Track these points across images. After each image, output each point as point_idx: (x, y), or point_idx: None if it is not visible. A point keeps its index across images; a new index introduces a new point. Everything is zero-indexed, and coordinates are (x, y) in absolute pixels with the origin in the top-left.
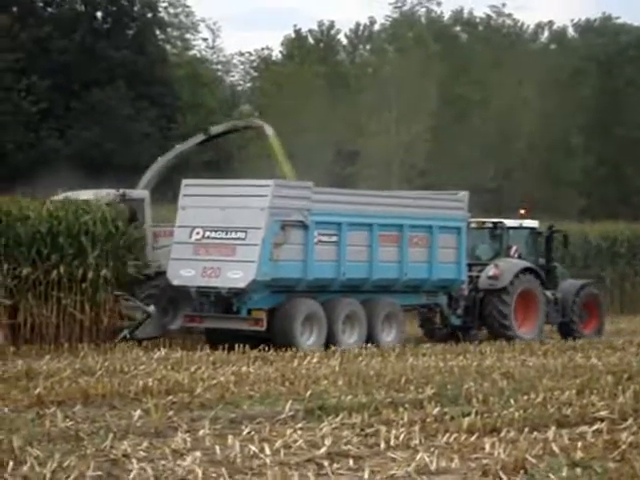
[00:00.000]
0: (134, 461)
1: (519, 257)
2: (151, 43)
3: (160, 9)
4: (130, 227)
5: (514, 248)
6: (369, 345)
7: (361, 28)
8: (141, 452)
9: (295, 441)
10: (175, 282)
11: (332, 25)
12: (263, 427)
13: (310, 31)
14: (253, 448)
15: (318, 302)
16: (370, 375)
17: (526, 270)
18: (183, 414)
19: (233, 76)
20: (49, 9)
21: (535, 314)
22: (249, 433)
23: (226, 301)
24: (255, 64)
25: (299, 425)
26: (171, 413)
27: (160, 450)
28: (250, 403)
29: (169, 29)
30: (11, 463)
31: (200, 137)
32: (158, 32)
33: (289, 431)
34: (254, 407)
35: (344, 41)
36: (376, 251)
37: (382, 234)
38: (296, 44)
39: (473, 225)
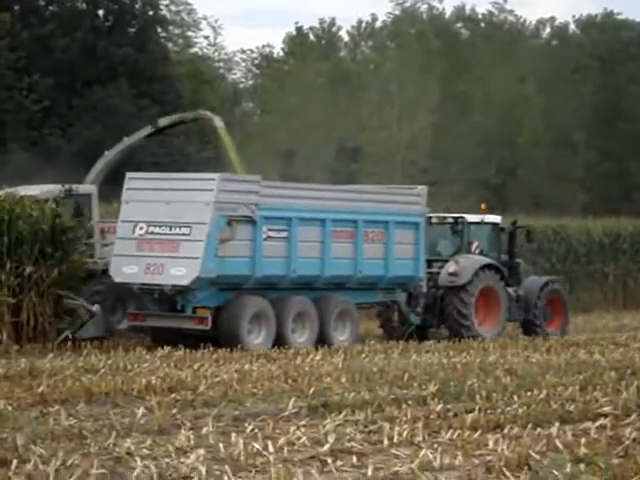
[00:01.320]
0: (137, 459)
1: (480, 253)
2: (153, 41)
3: (161, 7)
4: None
5: (475, 244)
6: (322, 345)
7: (363, 25)
8: (144, 450)
9: (298, 438)
10: (117, 279)
11: (333, 22)
12: (266, 424)
13: (311, 28)
14: (256, 445)
15: (267, 300)
16: (373, 372)
17: (487, 267)
18: (186, 412)
19: (235, 74)
20: (51, 7)
21: (497, 311)
22: (252, 430)
23: (170, 299)
24: (257, 61)
25: (302, 422)
26: (174, 411)
27: (164, 448)
28: (253, 401)
29: (171, 27)
30: (15, 461)
31: (148, 129)
32: (160, 30)
33: (292, 428)
34: (257, 404)
35: (346, 38)
36: (329, 247)
37: (335, 230)
38: (298, 41)
39: (434, 220)
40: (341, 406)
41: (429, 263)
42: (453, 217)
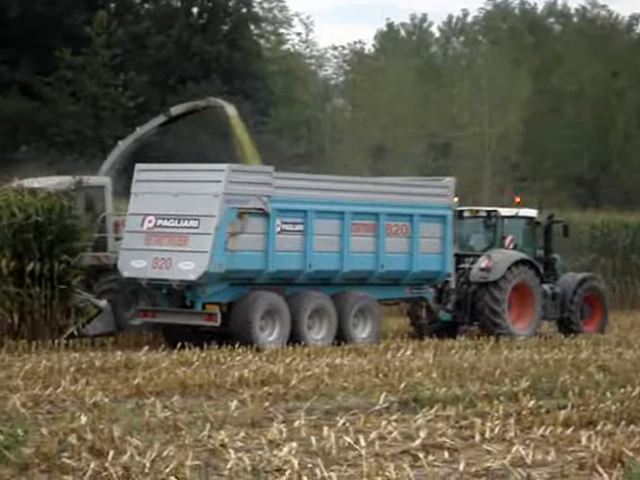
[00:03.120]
0: (231, 451)
1: (515, 248)
2: (245, 38)
3: (255, 4)
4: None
5: (509, 238)
6: (339, 343)
7: (454, 20)
8: (238, 442)
9: (390, 433)
10: (126, 274)
11: (425, 18)
12: (358, 418)
13: (403, 24)
14: (348, 439)
15: (281, 296)
16: (464, 367)
17: (521, 262)
18: (279, 405)
19: (326, 70)
20: (146, 5)
21: (531, 309)
22: (344, 424)
23: (180, 294)
24: (348, 58)
25: (394, 417)
26: (267, 404)
27: (257, 440)
28: (344, 394)
29: (263, 24)
30: (111, 452)
31: (161, 119)
32: (252, 27)
33: (384, 423)
34: (348, 398)
35: (437, 34)
36: (348, 241)
37: (355, 223)
38: (389, 37)
39: (466, 214)
40: (432, 401)
41: (461, 258)
42: (486, 211)
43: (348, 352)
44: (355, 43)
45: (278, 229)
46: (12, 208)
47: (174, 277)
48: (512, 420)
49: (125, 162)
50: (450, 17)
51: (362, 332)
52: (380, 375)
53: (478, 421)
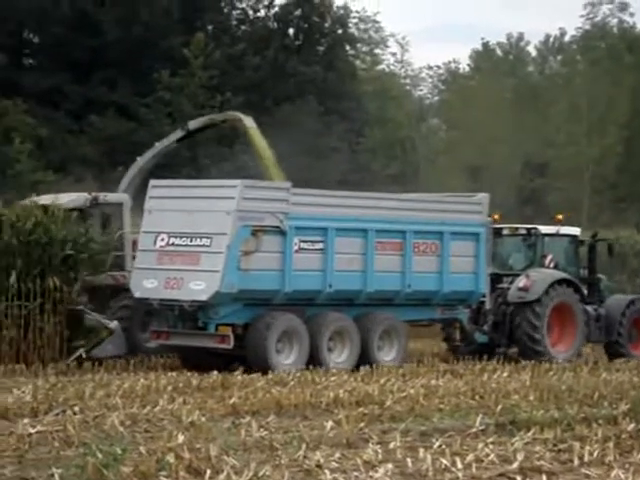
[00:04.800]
0: (327, 472)
1: (555, 267)
2: (341, 59)
3: (350, 25)
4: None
5: (549, 257)
6: (364, 365)
7: (551, 40)
8: (334, 463)
9: (487, 455)
10: (137, 294)
11: (521, 37)
12: (454, 440)
13: (498, 43)
14: (444, 461)
15: (300, 317)
16: (562, 390)
17: (562, 282)
18: (374, 426)
19: (421, 90)
20: (243, 27)
21: (572, 331)
22: (440, 446)
23: (192, 316)
24: (443, 77)
25: (490, 439)
26: (362, 424)
27: (352, 461)
28: (440, 416)
29: (359, 44)
30: (208, 471)
31: (179, 133)
32: (348, 48)
33: (480, 445)
34: (444, 420)
35: (533, 53)
36: (371, 260)
37: (380, 241)
38: (484, 56)
39: (505, 232)
40: (530, 424)
41: (499, 277)
42: (526, 228)
43: (443, 373)
44: (450, 63)
45: (296, 247)
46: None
47: (185, 297)
48: (611, 444)
49: (144, 178)
50: (547, 36)
51: (387, 355)
52: (476, 397)
53: (577, 444)
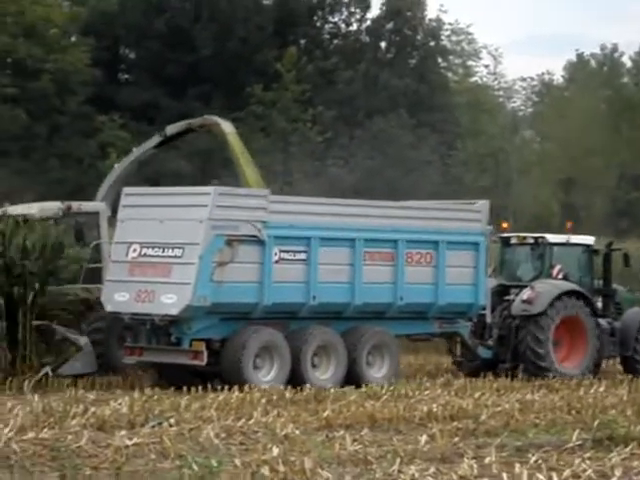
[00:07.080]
0: None
1: (565, 278)
2: (433, 71)
3: (443, 37)
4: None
5: (557, 268)
6: (350, 383)
7: None
8: (429, 477)
9: (584, 471)
10: (108, 308)
11: (615, 48)
12: (550, 456)
13: (593, 54)
14: (541, 477)
15: (281, 331)
16: None
17: (570, 293)
18: (468, 440)
19: (514, 102)
20: (335, 41)
21: (583, 346)
22: (536, 462)
23: (165, 330)
24: (537, 89)
25: (587, 455)
26: (456, 439)
27: (447, 476)
28: (536, 431)
29: (451, 56)
30: None
31: (156, 139)
32: (440, 60)
33: (577, 461)
34: (540, 435)
35: (628, 64)
36: (360, 271)
37: (368, 251)
38: (578, 68)
39: (514, 241)
40: (627, 439)
41: (506, 289)
42: (533, 237)
43: (539, 388)
44: (544, 74)
45: (276, 258)
46: None
47: (157, 311)
48: None
49: (123, 186)
50: None
51: (378, 371)
52: (572, 412)
53: None
